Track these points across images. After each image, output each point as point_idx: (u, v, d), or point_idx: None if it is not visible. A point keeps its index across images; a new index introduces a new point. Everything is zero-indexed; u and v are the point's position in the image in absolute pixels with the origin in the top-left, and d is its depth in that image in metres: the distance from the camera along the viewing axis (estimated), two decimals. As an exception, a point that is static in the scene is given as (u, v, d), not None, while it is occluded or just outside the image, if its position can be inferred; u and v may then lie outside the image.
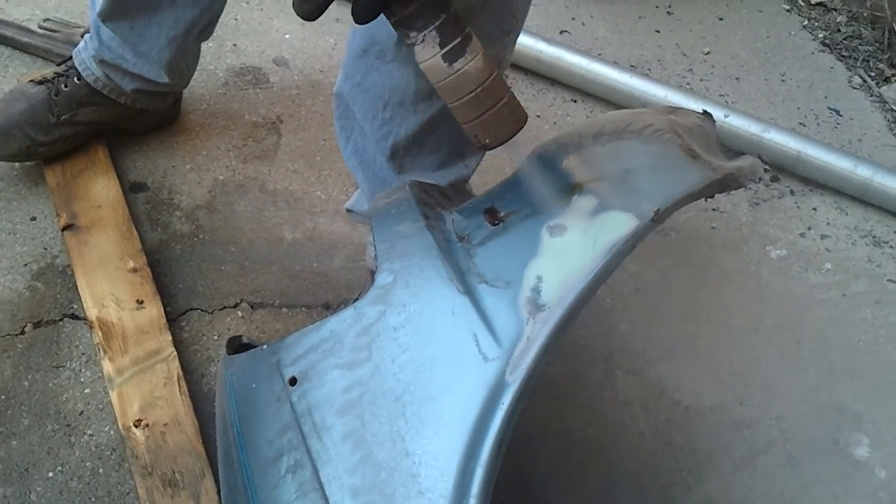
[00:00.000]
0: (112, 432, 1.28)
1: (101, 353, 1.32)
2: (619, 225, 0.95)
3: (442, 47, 0.87)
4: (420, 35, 0.87)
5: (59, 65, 1.57)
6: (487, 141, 0.92)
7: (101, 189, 1.54)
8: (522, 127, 0.93)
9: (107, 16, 1.43)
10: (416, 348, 0.93)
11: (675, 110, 1.28)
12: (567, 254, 0.94)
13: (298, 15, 0.83)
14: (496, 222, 1.00)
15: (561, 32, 2.24)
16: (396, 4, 0.85)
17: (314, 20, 0.84)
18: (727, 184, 1.09)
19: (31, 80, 1.54)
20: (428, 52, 0.87)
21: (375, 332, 0.95)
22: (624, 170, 1.04)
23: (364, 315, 0.97)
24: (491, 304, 0.93)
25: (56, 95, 1.51)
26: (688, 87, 2.15)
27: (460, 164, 1.33)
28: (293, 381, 0.97)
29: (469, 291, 0.94)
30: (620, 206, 0.97)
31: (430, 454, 0.87)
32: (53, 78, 1.53)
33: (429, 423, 0.88)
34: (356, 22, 0.85)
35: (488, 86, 0.89)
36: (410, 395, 0.90)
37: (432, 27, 0.86)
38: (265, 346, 1.03)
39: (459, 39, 0.87)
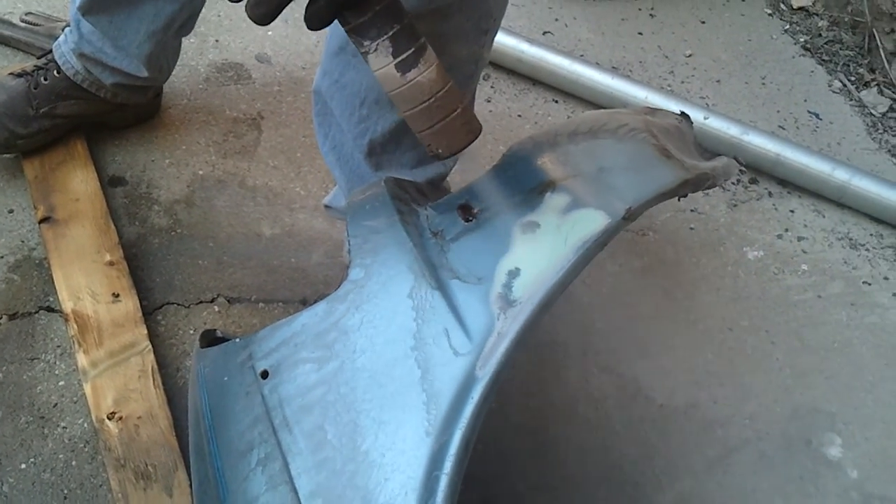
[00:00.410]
0: (86, 425, 1.28)
1: (76, 345, 1.32)
2: (591, 222, 0.96)
3: (395, 57, 0.87)
4: (373, 44, 0.86)
5: (39, 58, 1.57)
6: (440, 151, 0.92)
7: (79, 182, 1.54)
8: (476, 137, 0.93)
9: (87, 9, 1.43)
10: (387, 343, 0.93)
11: (654, 111, 1.28)
12: (539, 250, 0.95)
13: (251, 19, 0.82)
14: (470, 218, 1.01)
15: (544, 33, 2.25)
16: (350, 13, 0.84)
17: (266, 25, 0.83)
18: (700, 183, 1.10)
19: (11, 73, 1.54)
20: (381, 61, 0.87)
21: (346, 327, 0.96)
22: (598, 168, 1.05)
23: (336, 309, 0.97)
24: (463, 299, 0.93)
25: (35, 88, 1.51)
26: (669, 88, 2.16)
27: (437, 161, 1.34)
28: (265, 375, 0.97)
29: (441, 287, 0.94)
30: (593, 204, 0.98)
31: (399, 447, 0.87)
32: (33, 71, 1.53)
33: (399, 416, 0.89)
34: (308, 28, 0.84)
35: (441, 97, 0.89)
36: (381, 389, 0.91)
37: (385, 37, 0.86)
38: (238, 340, 1.03)
39: (413, 50, 0.87)
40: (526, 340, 0.91)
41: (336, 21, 0.85)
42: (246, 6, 0.81)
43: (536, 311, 0.91)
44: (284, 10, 0.81)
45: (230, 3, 0.86)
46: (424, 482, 0.85)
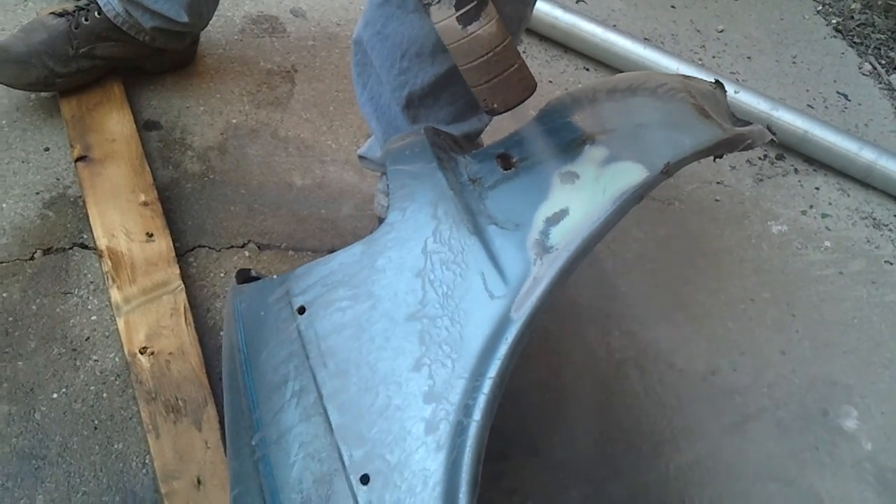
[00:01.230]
0: (117, 359, 1.30)
1: (110, 281, 1.34)
2: (630, 175, 0.98)
3: (457, 9, 0.88)
4: None
5: (79, -1, 1.59)
6: (495, 105, 0.93)
7: (115, 124, 1.55)
8: (531, 94, 0.94)
9: (132, -48, 1.44)
10: (424, 283, 0.95)
11: (690, 77, 1.29)
12: (577, 199, 0.97)
13: None
14: (509, 167, 1.02)
15: (577, 2, 2.25)
16: None
17: None
18: (736, 143, 1.11)
19: (52, 13, 1.55)
20: (443, 13, 0.88)
21: (382, 268, 0.97)
22: (636, 124, 1.06)
23: (373, 250, 0.99)
24: (500, 244, 0.95)
25: (76, 28, 1.53)
26: (700, 62, 2.16)
27: (473, 118, 1.34)
28: (301, 310, 0.99)
29: (479, 232, 0.96)
30: (631, 158, 0.99)
31: (433, 383, 0.89)
32: (74, 11, 1.55)
33: (433, 353, 0.91)
34: None
35: (500, 51, 0.90)
36: (416, 327, 0.92)
37: None
38: (275, 277, 1.05)
39: (475, 3, 0.88)
40: (560, 287, 0.92)
41: None
42: None
43: (572, 258, 0.93)
44: None
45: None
46: (457, 417, 0.87)
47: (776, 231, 1.81)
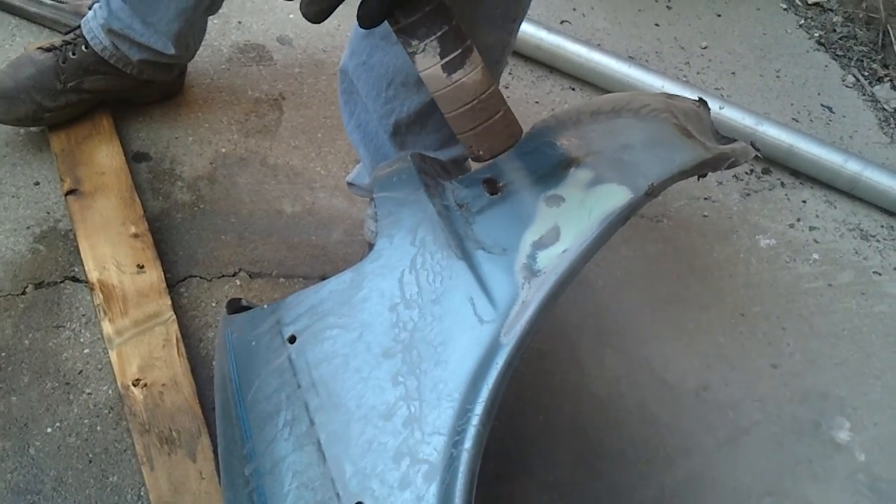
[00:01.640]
0: (110, 391, 1.31)
1: (102, 314, 1.35)
2: (614, 197, 0.98)
3: (442, 58, 0.88)
4: (421, 44, 0.88)
5: (66, 33, 1.59)
6: (481, 153, 0.93)
7: (104, 156, 1.56)
8: (517, 141, 0.94)
9: (118, -15, 1.46)
10: (412, 311, 0.96)
11: (673, 96, 1.31)
12: (563, 223, 0.97)
13: (305, 17, 0.84)
14: (495, 192, 1.03)
15: (562, 22, 2.27)
16: (400, 12, 0.86)
17: (320, 23, 0.85)
18: (719, 162, 1.12)
19: (39, 48, 1.56)
20: (428, 61, 0.88)
21: (372, 294, 0.98)
22: (620, 146, 1.07)
23: (362, 277, 1.00)
24: (488, 269, 0.96)
25: (63, 63, 1.54)
26: (685, 79, 2.18)
27: (461, 143, 1.35)
28: (292, 339, 1.00)
29: (467, 257, 0.97)
30: (616, 180, 1.00)
31: (424, 411, 0.90)
32: (61, 46, 1.56)
33: (424, 380, 0.91)
34: (361, 26, 0.86)
35: (485, 99, 0.90)
36: (406, 354, 0.93)
37: (434, 37, 0.87)
38: (265, 306, 1.06)
39: (460, 51, 0.88)
40: (549, 310, 0.93)
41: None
42: (300, 4, 0.83)
43: (560, 281, 0.93)
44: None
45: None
46: (448, 443, 0.87)
47: (764, 245, 1.82)
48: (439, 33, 0.87)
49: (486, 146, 0.93)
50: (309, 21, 0.84)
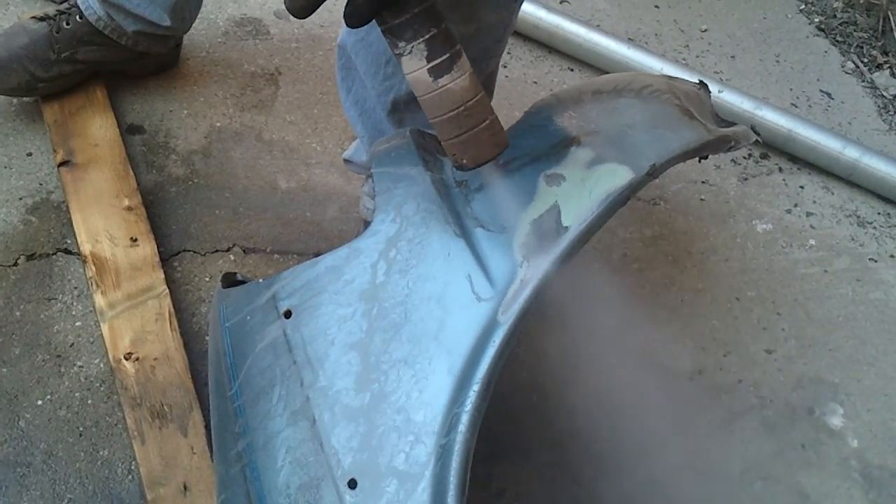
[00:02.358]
0: (102, 365, 1.30)
1: (94, 286, 1.33)
2: (615, 176, 0.98)
3: (429, 61, 0.85)
4: (408, 46, 0.85)
5: (61, 2, 1.57)
6: (465, 161, 0.90)
7: (98, 128, 1.54)
8: (501, 152, 0.90)
9: (114, -45, 1.43)
10: (409, 286, 0.95)
11: (674, 78, 1.30)
12: (563, 202, 0.96)
13: (290, 12, 0.82)
14: (494, 169, 1.02)
15: (561, 2, 2.25)
16: (388, 13, 0.83)
17: (305, 18, 0.83)
18: (721, 144, 1.12)
19: (33, 17, 1.54)
20: (414, 64, 0.86)
21: (371, 270, 0.97)
22: (622, 125, 1.06)
23: (359, 253, 0.98)
24: (486, 247, 0.95)
25: (57, 32, 1.52)
26: (684, 62, 2.16)
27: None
28: (288, 314, 0.99)
29: (465, 234, 0.96)
30: (617, 159, 0.99)
31: (421, 387, 0.89)
32: (56, 15, 1.53)
33: (420, 357, 0.90)
34: (347, 25, 0.84)
35: (471, 106, 0.87)
36: (403, 331, 0.92)
37: (421, 40, 0.84)
38: (261, 280, 1.04)
39: (447, 56, 0.85)
40: (547, 289, 0.92)
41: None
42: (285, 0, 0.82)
43: (559, 260, 0.93)
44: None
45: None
46: (445, 420, 0.87)
47: (761, 230, 1.81)
48: (427, 36, 0.85)
49: (471, 155, 0.89)
50: (294, 16, 0.82)
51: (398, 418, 0.88)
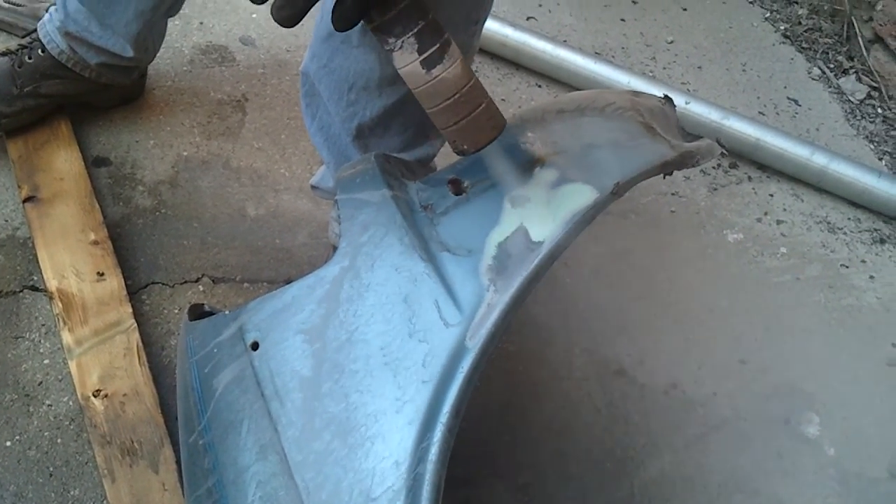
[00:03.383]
0: (71, 402, 1.28)
1: (61, 323, 1.32)
2: (580, 196, 0.97)
3: (420, 54, 0.86)
4: (398, 41, 0.86)
5: (23, 37, 1.56)
6: (465, 147, 0.92)
7: (63, 162, 1.53)
8: (500, 133, 0.93)
9: (75, -13, 1.42)
10: (376, 315, 0.94)
11: (638, 93, 1.30)
12: (528, 223, 0.96)
13: (277, 21, 0.82)
14: (460, 192, 1.01)
15: (527, 18, 2.25)
16: (375, 11, 0.84)
17: (292, 27, 0.84)
18: (684, 161, 1.12)
19: (-6, 52, 1.53)
20: (406, 58, 0.87)
21: (336, 299, 0.96)
22: (586, 144, 1.06)
23: (325, 282, 0.98)
24: (453, 271, 0.94)
25: (19, 67, 1.50)
26: (651, 74, 2.18)
27: (425, 144, 1.34)
28: (255, 346, 0.98)
29: (431, 259, 0.95)
30: (581, 179, 0.99)
31: (389, 417, 0.88)
32: (17, 50, 1.52)
33: (389, 386, 0.90)
34: (336, 29, 0.84)
35: (466, 92, 0.89)
36: (370, 359, 0.91)
37: (410, 34, 0.85)
38: (227, 312, 1.03)
39: (438, 46, 0.87)
40: (515, 312, 0.92)
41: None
42: (272, 9, 0.81)
43: (526, 284, 0.92)
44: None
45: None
46: (414, 451, 0.86)
47: (732, 240, 1.82)
48: (416, 29, 0.86)
49: (471, 140, 0.92)
50: (281, 25, 0.82)
51: (367, 450, 0.87)
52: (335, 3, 0.82)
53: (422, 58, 0.87)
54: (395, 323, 0.93)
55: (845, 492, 1.45)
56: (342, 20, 0.83)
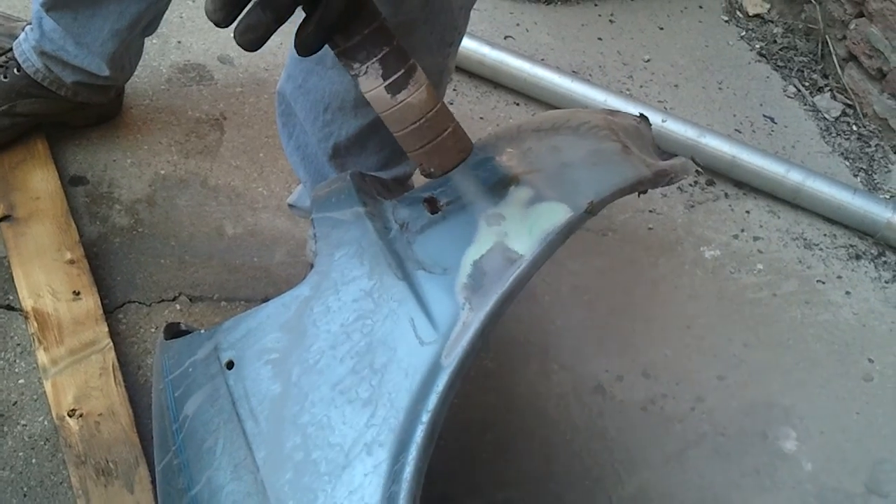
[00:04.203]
0: (46, 422, 1.27)
1: (36, 343, 1.31)
2: (555, 215, 0.98)
3: (385, 79, 0.87)
4: (363, 66, 0.86)
5: (-3, 56, 1.56)
6: (432, 170, 0.93)
7: (39, 181, 1.52)
8: (467, 156, 0.94)
9: (51, 6, 1.42)
10: (352, 333, 0.94)
11: (614, 112, 1.31)
12: (504, 241, 0.96)
13: (240, 46, 0.82)
14: (435, 211, 1.02)
15: (505, 38, 2.27)
16: (339, 36, 0.84)
17: (255, 51, 0.83)
18: (659, 179, 1.12)
19: (-31, 71, 1.53)
20: (371, 83, 0.87)
21: (312, 317, 0.96)
22: (560, 163, 1.06)
23: (301, 300, 0.98)
24: (428, 289, 0.94)
25: (-5, 86, 1.50)
26: (628, 92, 2.19)
27: (402, 163, 1.35)
28: (230, 365, 0.98)
29: (407, 277, 0.95)
30: (556, 198, 1.00)
31: (365, 436, 0.88)
32: (-8, 69, 1.52)
33: (364, 405, 0.90)
34: (299, 54, 0.84)
35: (432, 117, 0.90)
36: (346, 378, 0.91)
37: (375, 59, 0.86)
38: (202, 331, 1.03)
39: (403, 71, 0.87)
40: (491, 330, 0.92)
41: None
42: (234, 34, 0.81)
43: (501, 302, 0.92)
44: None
45: (193, 5, 0.86)
46: (389, 471, 0.86)
47: (709, 256, 1.83)
48: (380, 55, 0.86)
49: (437, 163, 0.93)
50: (244, 49, 0.82)
51: (342, 470, 0.87)
52: (297, 29, 0.82)
53: (387, 83, 0.87)
54: (368, 342, 0.93)
55: (822, 507, 1.46)
56: (304, 46, 0.83)
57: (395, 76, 0.87)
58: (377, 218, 1.02)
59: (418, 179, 1.41)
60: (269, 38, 0.82)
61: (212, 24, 0.79)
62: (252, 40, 0.81)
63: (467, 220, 0.99)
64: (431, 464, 0.87)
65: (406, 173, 1.38)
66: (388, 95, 0.88)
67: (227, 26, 0.81)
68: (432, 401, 0.88)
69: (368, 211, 1.01)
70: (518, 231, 0.97)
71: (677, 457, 1.47)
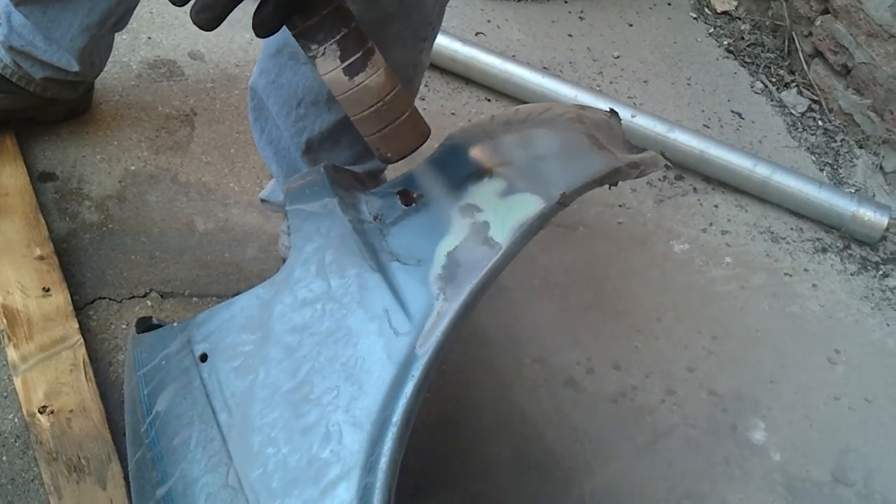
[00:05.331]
0: (16, 420, 1.26)
1: (6, 340, 1.30)
2: (527, 206, 0.98)
3: (343, 61, 0.87)
4: (321, 48, 0.86)
5: (-35, 52, 1.54)
6: (389, 154, 0.93)
7: (8, 177, 1.51)
8: (424, 141, 0.94)
9: (20, 0, 1.41)
10: (326, 324, 0.94)
11: (584, 107, 1.32)
12: (477, 232, 0.97)
13: (196, 25, 0.81)
14: (409, 203, 1.02)
15: (476, 34, 2.28)
16: (297, 17, 0.84)
17: (212, 30, 0.83)
18: (629, 172, 1.13)
19: (-64, 66, 1.51)
20: (329, 64, 0.87)
21: (286, 309, 0.96)
22: (533, 156, 1.07)
23: (275, 292, 0.98)
24: (403, 280, 0.95)
25: (-38, 82, 1.49)
26: (598, 88, 2.21)
27: (376, 157, 1.35)
28: (203, 358, 0.97)
29: (381, 269, 0.96)
30: (528, 189, 1.00)
31: (340, 427, 0.88)
32: (-40, 65, 1.50)
33: (338, 396, 0.90)
34: (257, 35, 0.83)
35: (389, 100, 0.89)
36: (321, 369, 0.92)
37: (333, 41, 0.86)
38: (175, 324, 1.03)
39: (360, 53, 0.87)
40: (464, 320, 0.93)
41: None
42: (191, 12, 0.81)
43: (474, 292, 0.93)
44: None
45: (163, 1, 0.85)
46: (366, 459, 0.86)
47: (678, 250, 1.85)
48: (338, 36, 0.86)
49: (395, 147, 0.93)
50: (200, 28, 0.82)
51: (317, 460, 0.87)
52: (256, 9, 0.82)
53: (344, 65, 0.87)
54: (344, 332, 0.93)
55: (791, 496, 1.48)
56: (262, 26, 0.82)
57: (353, 58, 0.87)
58: (351, 209, 1.02)
59: (391, 173, 1.41)
60: (225, 17, 0.81)
61: (182, 20, 0.78)
62: (209, 19, 0.80)
63: (441, 212, 1.00)
64: (404, 457, 0.87)
65: (379, 167, 1.38)
66: (345, 78, 0.88)
67: (183, 5, 0.81)
68: (407, 390, 0.88)
69: (342, 202, 1.02)
70: (492, 222, 0.98)
71: (648, 448, 1.48)
